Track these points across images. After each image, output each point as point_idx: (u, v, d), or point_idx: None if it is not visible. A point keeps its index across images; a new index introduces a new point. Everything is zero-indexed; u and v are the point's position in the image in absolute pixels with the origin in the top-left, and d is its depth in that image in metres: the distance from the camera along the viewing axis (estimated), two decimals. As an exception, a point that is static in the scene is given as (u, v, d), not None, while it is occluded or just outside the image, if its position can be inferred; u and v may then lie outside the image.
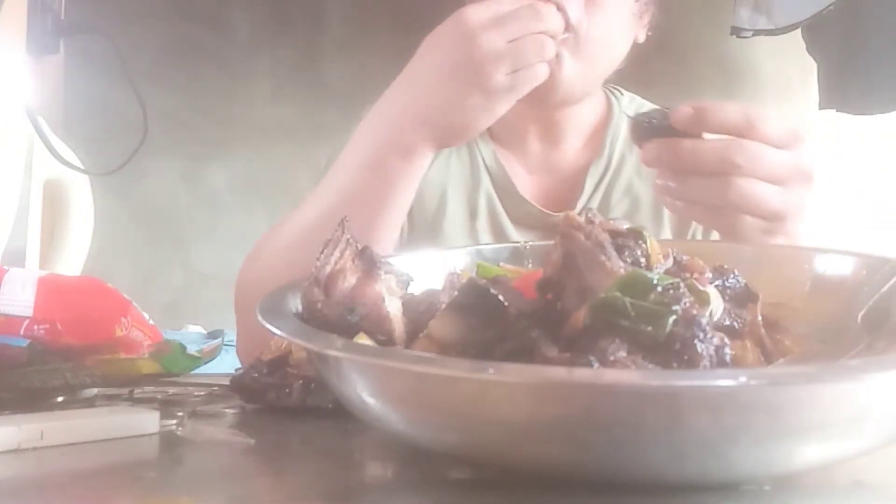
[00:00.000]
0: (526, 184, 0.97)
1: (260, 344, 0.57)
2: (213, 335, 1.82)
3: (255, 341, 0.61)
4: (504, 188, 0.96)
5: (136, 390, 0.60)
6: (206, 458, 0.43)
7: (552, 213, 0.95)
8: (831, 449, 0.30)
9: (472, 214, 0.96)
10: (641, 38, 0.94)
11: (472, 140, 0.96)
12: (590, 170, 0.95)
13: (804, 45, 2.12)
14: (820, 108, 2.09)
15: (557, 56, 0.80)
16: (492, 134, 1.00)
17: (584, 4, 0.81)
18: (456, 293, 0.39)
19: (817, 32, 2.05)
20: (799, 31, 2.08)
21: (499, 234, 0.95)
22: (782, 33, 2.09)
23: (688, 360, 0.31)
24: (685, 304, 0.33)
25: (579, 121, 0.97)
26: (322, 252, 0.42)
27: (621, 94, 1.02)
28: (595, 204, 0.95)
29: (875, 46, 1.91)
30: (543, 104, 0.90)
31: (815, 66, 2.11)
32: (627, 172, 0.96)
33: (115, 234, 2.17)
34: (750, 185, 0.58)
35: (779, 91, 2.37)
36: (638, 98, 1.03)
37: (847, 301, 0.44)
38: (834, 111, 2.07)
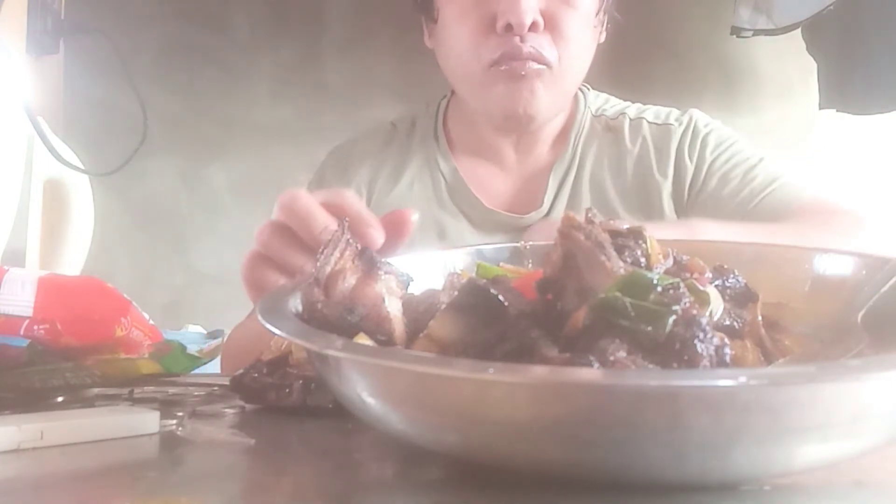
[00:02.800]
0: (491, 192, 0.99)
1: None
2: (213, 335, 1.81)
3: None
4: (469, 204, 0.98)
5: (136, 390, 0.60)
6: (206, 458, 0.43)
7: (520, 215, 0.97)
8: (831, 449, 0.30)
9: (441, 236, 0.97)
10: (602, 39, 0.98)
11: (433, 160, 1.01)
12: (553, 167, 0.98)
13: (804, 45, 2.12)
14: (820, 108, 2.09)
15: (533, 90, 0.88)
16: (459, 146, 1.03)
17: (553, 41, 0.88)
18: (456, 293, 0.39)
19: (817, 32, 2.06)
20: (799, 31, 2.08)
21: None
22: (782, 33, 2.09)
23: (688, 360, 0.31)
24: (685, 304, 0.33)
25: (553, 127, 1.00)
26: (322, 252, 0.42)
27: (588, 90, 1.05)
28: (564, 199, 0.97)
29: (875, 46, 1.91)
30: (522, 131, 0.96)
31: (815, 66, 2.11)
32: (590, 164, 0.99)
33: (115, 234, 2.17)
34: None
35: (779, 91, 2.38)
36: (603, 94, 1.06)
37: (847, 301, 0.44)
38: (834, 111, 2.07)
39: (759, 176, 0.93)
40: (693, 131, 0.98)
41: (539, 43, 0.87)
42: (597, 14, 0.93)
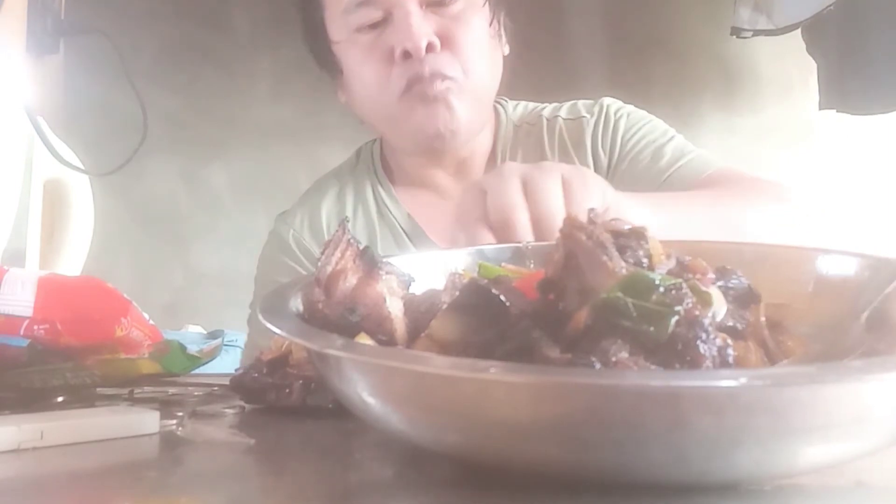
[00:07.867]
0: (440, 228, 0.96)
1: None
2: (213, 335, 1.82)
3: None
4: (426, 247, 0.97)
5: (136, 390, 0.60)
6: (206, 458, 0.43)
7: None
8: (833, 450, 0.30)
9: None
10: (506, 51, 1.00)
11: (385, 208, 1.01)
12: None
13: (804, 45, 2.12)
14: (820, 109, 2.09)
15: (449, 106, 0.90)
16: (399, 178, 1.03)
17: (454, 56, 0.89)
18: (457, 293, 0.39)
19: (817, 32, 2.05)
20: (799, 31, 2.08)
21: None
22: (782, 33, 2.09)
23: (690, 360, 0.31)
24: (688, 304, 0.33)
25: (481, 146, 1.01)
26: (323, 253, 0.42)
27: (506, 101, 1.07)
28: None
29: (875, 46, 1.91)
30: (449, 149, 0.96)
31: (815, 66, 2.11)
32: None
33: (115, 234, 2.17)
34: None
35: (779, 91, 2.38)
36: (522, 103, 1.07)
37: (850, 302, 0.44)
38: (834, 111, 2.07)
39: (668, 153, 0.94)
40: (605, 119, 0.99)
41: (439, 62, 0.89)
42: (490, 24, 0.94)
